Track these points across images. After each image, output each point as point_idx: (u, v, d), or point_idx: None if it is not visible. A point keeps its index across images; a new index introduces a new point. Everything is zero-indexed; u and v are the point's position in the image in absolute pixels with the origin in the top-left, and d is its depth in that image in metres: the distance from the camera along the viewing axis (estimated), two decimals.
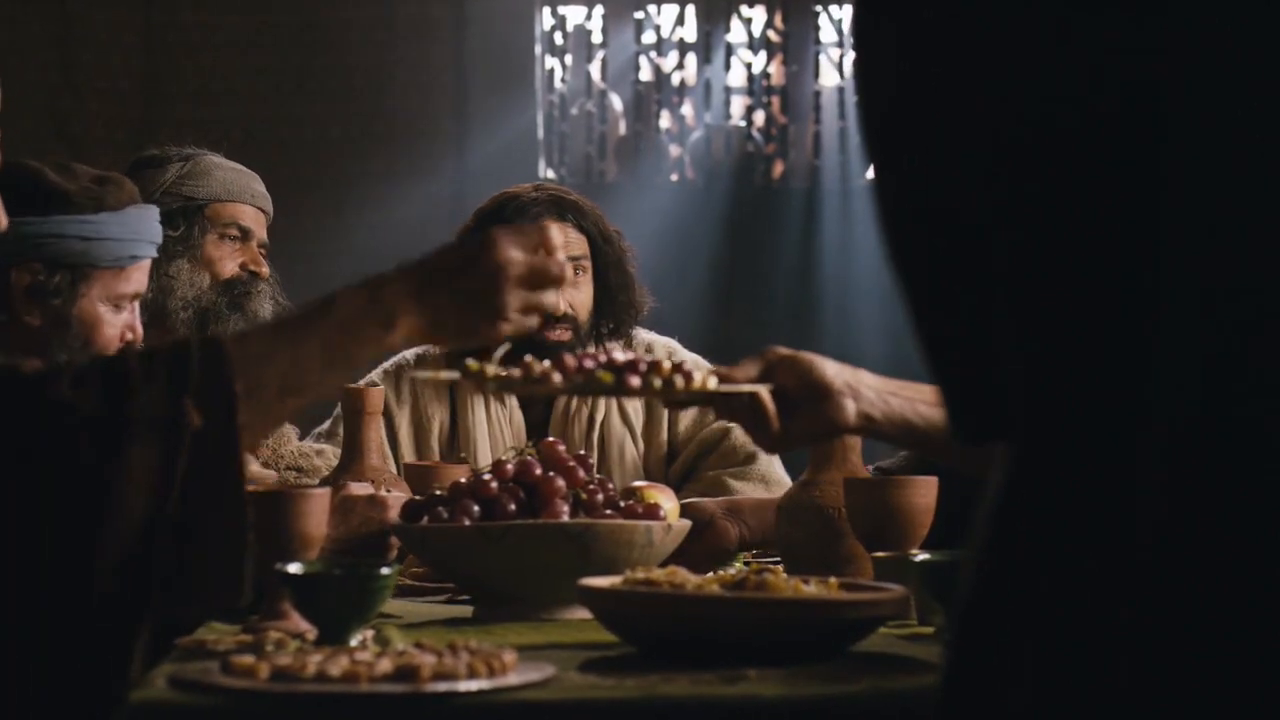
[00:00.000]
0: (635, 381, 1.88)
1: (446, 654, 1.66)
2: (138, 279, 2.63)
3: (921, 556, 2.08)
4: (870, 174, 1.21)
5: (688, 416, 3.37)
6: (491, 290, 1.72)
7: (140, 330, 2.67)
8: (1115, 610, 1.07)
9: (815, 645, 1.80)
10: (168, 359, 1.60)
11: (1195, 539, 1.05)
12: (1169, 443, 1.06)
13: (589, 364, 1.88)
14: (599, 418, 3.33)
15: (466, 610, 2.24)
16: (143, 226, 2.61)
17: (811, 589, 1.85)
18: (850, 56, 6.36)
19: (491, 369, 1.84)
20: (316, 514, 2.01)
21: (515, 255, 1.74)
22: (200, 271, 3.02)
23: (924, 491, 2.28)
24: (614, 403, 3.35)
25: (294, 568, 1.89)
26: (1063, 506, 1.12)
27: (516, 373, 1.85)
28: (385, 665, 1.60)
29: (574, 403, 3.34)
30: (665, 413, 3.37)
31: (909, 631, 2.05)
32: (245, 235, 3.08)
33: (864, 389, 1.98)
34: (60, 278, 2.51)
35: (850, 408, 1.96)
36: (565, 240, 3.28)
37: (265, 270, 3.09)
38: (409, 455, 3.30)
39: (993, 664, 1.14)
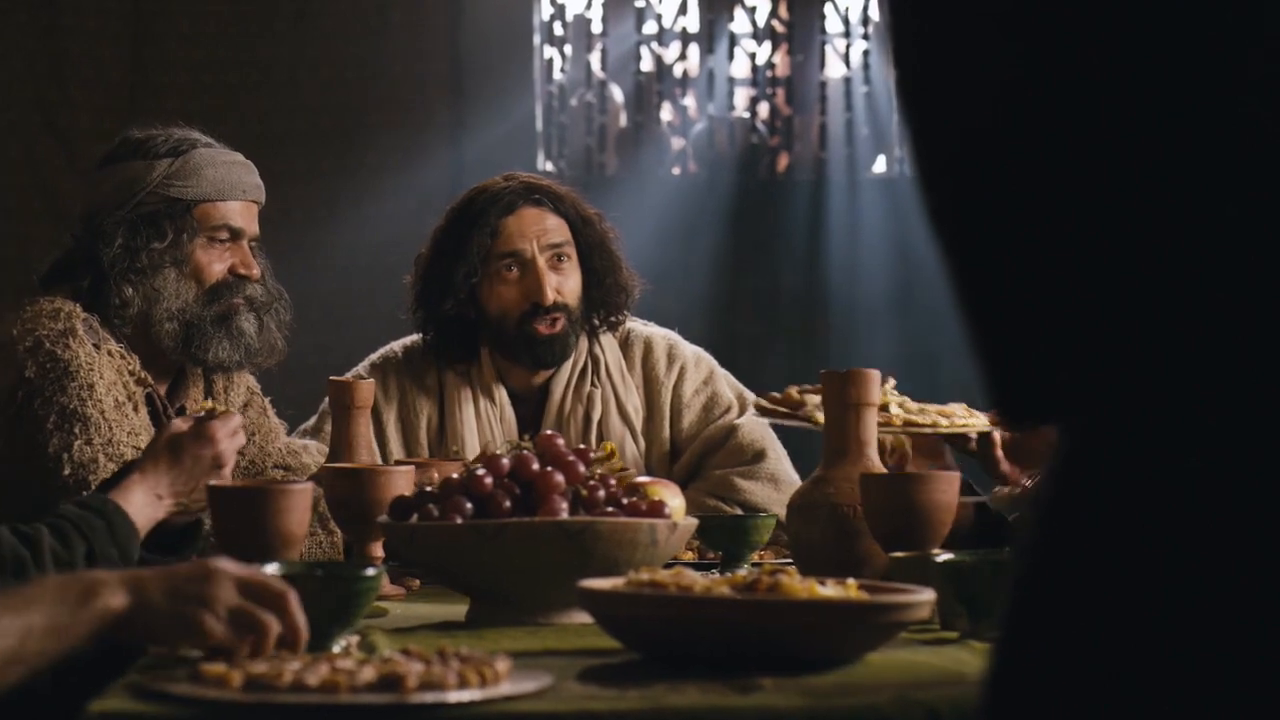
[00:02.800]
0: None
1: (435, 661, 1.58)
2: None
3: (944, 556, 1.97)
4: (908, 138, 1.09)
5: (691, 413, 3.27)
6: (202, 582, 1.63)
7: None
8: (1177, 610, 0.99)
9: (834, 652, 1.70)
10: None
11: (1266, 533, 0.97)
12: (1241, 427, 0.98)
13: None
14: (595, 416, 3.22)
15: (459, 613, 2.14)
16: None
17: (829, 591, 1.74)
18: (858, 46, 6.34)
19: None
20: (298, 511, 1.91)
21: (230, 565, 1.66)
22: (187, 281, 2.91)
23: (945, 488, 2.18)
24: (612, 400, 3.24)
25: (272, 568, 1.79)
26: (1120, 495, 1.03)
27: None
28: (368, 674, 1.52)
29: (569, 400, 3.24)
30: (667, 410, 3.27)
31: (931, 636, 1.95)
32: (235, 235, 2.97)
33: None
34: None
35: None
36: (545, 227, 3.18)
37: (255, 271, 2.97)
38: (397, 451, 3.20)
39: (1043, 670, 1.05)
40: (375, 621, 2.08)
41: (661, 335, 3.36)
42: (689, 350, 3.35)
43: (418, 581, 2.53)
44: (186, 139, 3.00)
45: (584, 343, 3.27)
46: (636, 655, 1.74)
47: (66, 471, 2.63)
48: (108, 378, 2.73)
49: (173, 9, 5.62)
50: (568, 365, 3.25)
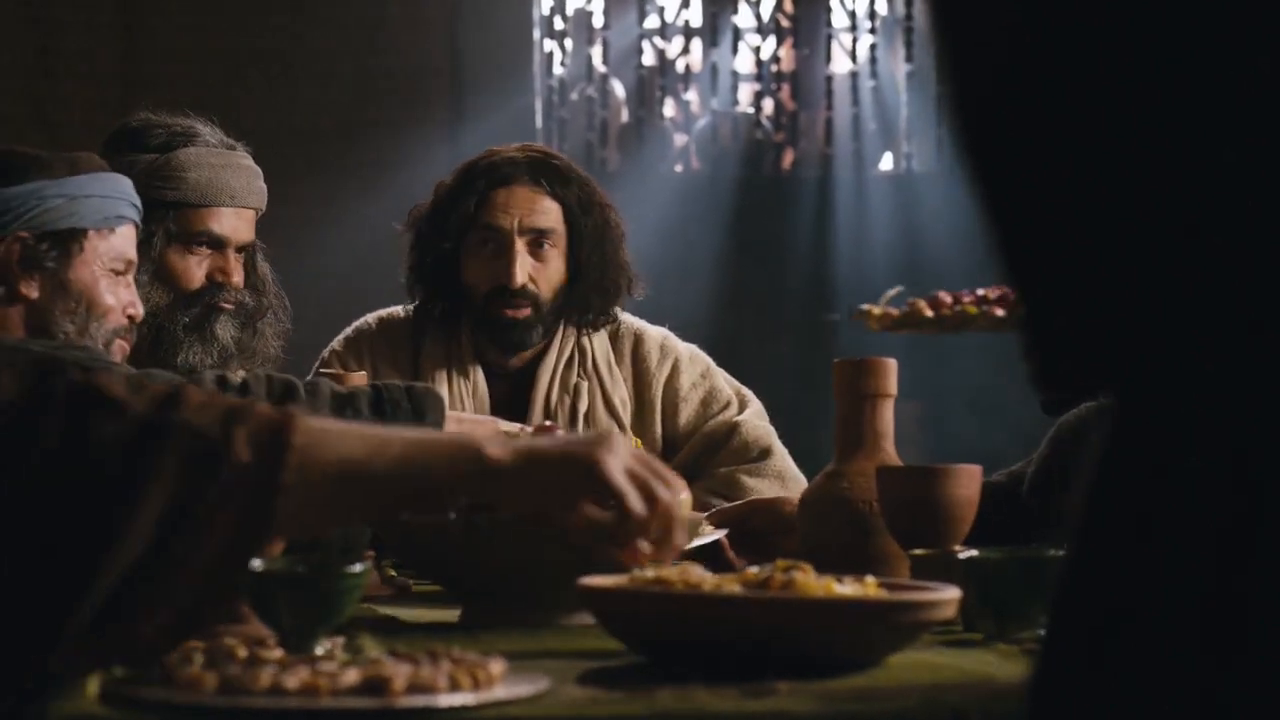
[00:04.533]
0: None
1: (425, 663, 1.48)
2: (127, 242, 2.56)
3: (967, 553, 1.87)
4: (950, 96, 1.00)
5: (689, 407, 3.17)
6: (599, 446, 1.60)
7: (140, 308, 2.59)
8: (1241, 598, 0.91)
9: (854, 654, 1.60)
10: (228, 399, 1.50)
11: None
12: None
13: None
14: (582, 408, 3.13)
15: (452, 614, 2.06)
16: (121, 188, 2.57)
17: (847, 589, 1.64)
18: (864, 40, 6.29)
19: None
20: None
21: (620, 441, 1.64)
22: (159, 286, 2.83)
23: (966, 482, 2.08)
24: (599, 393, 3.15)
25: (253, 564, 1.67)
26: (1177, 473, 0.94)
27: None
28: (351, 676, 1.42)
29: (554, 391, 3.14)
30: (659, 404, 3.18)
31: (954, 638, 1.86)
32: (217, 242, 2.87)
33: None
34: (49, 243, 2.49)
35: None
36: (533, 209, 3.07)
37: (235, 279, 2.87)
38: None
39: (1096, 674, 0.96)
40: (363, 622, 1.99)
41: (655, 330, 3.27)
42: (682, 346, 3.26)
43: (409, 580, 2.44)
44: (184, 133, 2.90)
45: (570, 334, 3.17)
46: (641, 658, 1.65)
47: None
48: None
49: (166, 1, 5.58)
50: (553, 355, 3.16)
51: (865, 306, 2.12)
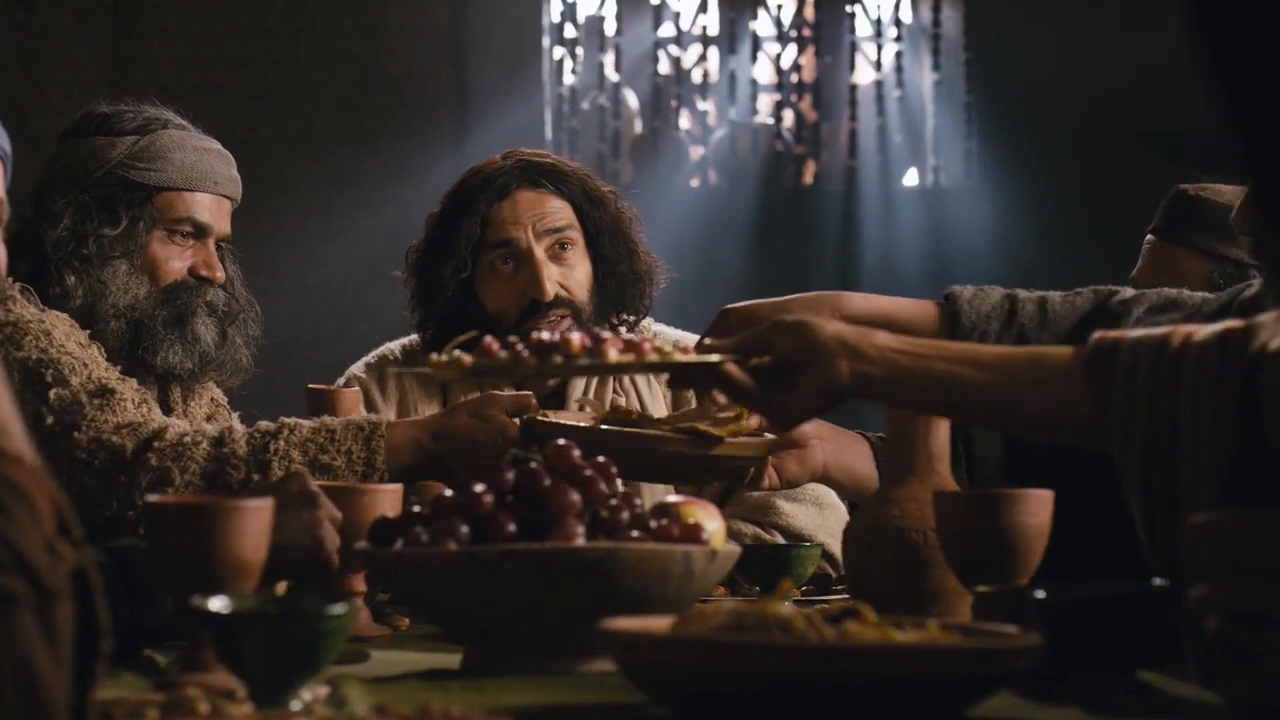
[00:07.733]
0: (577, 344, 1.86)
1: None
2: None
3: (1042, 591, 1.64)
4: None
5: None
6: None
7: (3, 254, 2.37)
8: None
9: (923, 709, 1.38)
10: None
11: None
12: None
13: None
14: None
15: (453, 659, 1.88)
16: None
17: (910, 634, 1.43)
18: (889, 49, 6.19)
19: (460, 356, 1.84)
20: (253, 534, 1.59)
21: None
22: (139, 275, 2.71)
23: (1036, 509, 1.86)
24: (636, 409, 2.93)
25: (216, 604, 1.46)
26: None
27: (467, 359, 1.85)
28: None
29: (591, 396, 2.94)
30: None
31: (1028, 689, 1.64)
32: (200, 231, 2.76)
33: (865, 347, 1.82)
34: None
35: (843, 367, 1.82)
36: (543, 211, 2.89)
37: (219, 274, 2.78)
38: None
39: None
40: (352, 668, 1.79)
41: (692, 341, 3.06)
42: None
43: (407, 620, 2.23)
44: (158, 117, 2.81)
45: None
46: (669, 711, 1.47)
47: (50, 421, 2.40)
48: (61, 328, 2.49)
49: (155, 4, 5.52)
50: None
51: (433, 356, 1.91)
